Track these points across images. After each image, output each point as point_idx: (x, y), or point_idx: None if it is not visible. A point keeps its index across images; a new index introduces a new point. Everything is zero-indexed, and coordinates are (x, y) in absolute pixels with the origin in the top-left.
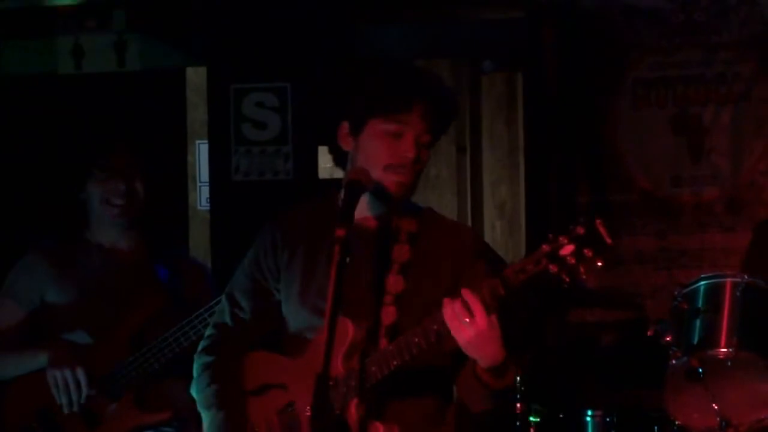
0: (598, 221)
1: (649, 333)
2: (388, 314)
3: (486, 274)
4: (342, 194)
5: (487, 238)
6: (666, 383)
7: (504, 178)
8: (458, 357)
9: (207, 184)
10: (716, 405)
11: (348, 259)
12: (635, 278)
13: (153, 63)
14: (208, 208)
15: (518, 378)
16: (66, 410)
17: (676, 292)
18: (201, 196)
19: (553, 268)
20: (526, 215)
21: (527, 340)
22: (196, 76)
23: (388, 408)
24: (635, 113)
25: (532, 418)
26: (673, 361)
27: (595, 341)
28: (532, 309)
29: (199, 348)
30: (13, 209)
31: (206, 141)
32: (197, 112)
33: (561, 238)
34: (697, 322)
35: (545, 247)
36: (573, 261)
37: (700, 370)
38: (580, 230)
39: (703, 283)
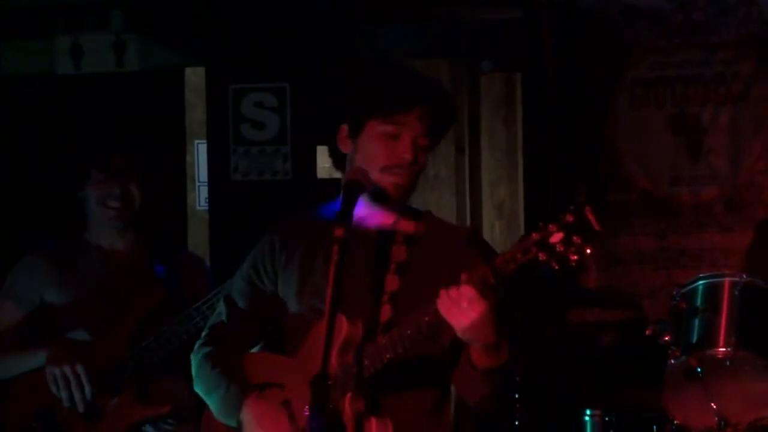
0: (587, 208)
1: (647, 332)
2: (384, 313)
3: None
4: (341, 196)
5: (486, 238)
6: (665, 383)
7: (503, 178)
8: (454, 351)
9: (206, 184)
10: (715, 404)
11: (346, 259)
12: (634, 278)
13: (152, 63)
14: (206, 208)
15: (517, 379)
16: (66, 404)
17: (674, 292)
18: (200, 196)
19: (542, 256)
20: (524, 215)
21: (526, 341)
22: (194, 76)
23: (383, 403)
24: (634, 113)
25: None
26: (672, 361)
27: (594, 341)
28: (529, 309)
29: (196, 346)
30: (12, 210)
31: (205, 141)
32: (196, 112)
33: (550, 226)
34: (696, 322)
35: (535, 236)
36: (562, 249)
37: (699, 370)
38: (569, 218)
39: (701, 282)
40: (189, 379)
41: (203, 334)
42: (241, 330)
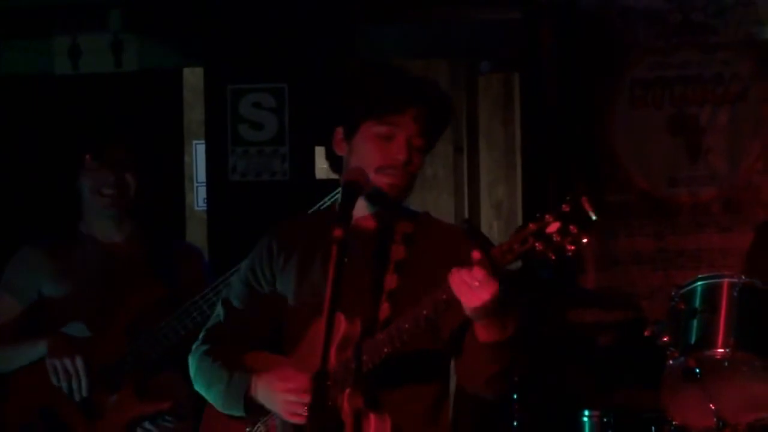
0: (583, 198)
1: (646, 333)
2: (383, 311)
3: None
4: (340, 198)
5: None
6: (663, 383)
7: (501, 179)
8: (454, 343)
9: (204, 184)
10: (713, 405)
11: (346, 259)
12: (633, 279)
13: (150, 63)
14: (205, 208)
15: (516, 379)
16: (67, 393)
17: (673, 293)
18: (198, 197)
19: (539, 246)
20: (522, 215)
21: (524, 341)
22: (193, 77)
23: (382, 399)
24: (633, 113)
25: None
26: (671, 362)
27: (593, 341)
28: (527, 309)
29: (193, 348)
30: (11, 210)
31: (203, 141)
32: (194, 112)
33: (547, 216)
34: (695, 323)
35: (531, 226)
36: (559, 238)
37: (697, 371)
38: (565, 208)
39: (700, 283)
40: (187, 375)
41: (200, 336)
42: (239, 332)
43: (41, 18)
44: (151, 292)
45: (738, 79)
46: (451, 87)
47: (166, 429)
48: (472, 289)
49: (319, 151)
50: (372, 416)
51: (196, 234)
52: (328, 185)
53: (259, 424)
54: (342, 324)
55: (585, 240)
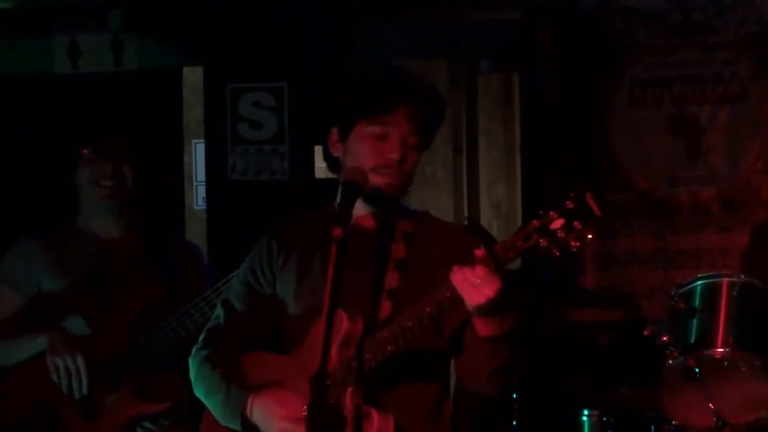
0: (587, 194)
1: (645, 333)
2: (384, 309)
3: None
4: (338, 198)
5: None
6: (662, 383)
7: (500, 178)
8: (455, 340)
9: (203, 183)
10: (713, 405)
11: (345, 258)
12: (632, 278)
13: (150, 62)
14: (204, 207)
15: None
16: (66, 392)
17: (672, 292)
18: (197, 196)
19: (543, 243)
20: (522, 215)
21: (524, 341)
22: (192, 76)
23: (383, 398)
24: (632, 113)
25: None
26: (670, 361)
27: (592, 341)
28: (527, 309)
29: (193, 351)
30: (11, 210)
31: (203, 140)
32: (194, 111)
33: (551, 213)
34: (694, 322)
35: (535, 222)
36: (563, 235)
37: (697, 370)
38: (569, 204)
39: (699, 282)
40: (186, 376)
41: (201, 337)
42: (240, 333)
43: (41, 17)
44: (151, 290)
45: (738, 79)
46: (451, 87)
47: (165, 429)
48: (475, 287)
49: (319, 151)
50: (375, 415)
51: (196, 233)
52: (327, 184)
53: None
54: (344, 323)
55: (590, 236)
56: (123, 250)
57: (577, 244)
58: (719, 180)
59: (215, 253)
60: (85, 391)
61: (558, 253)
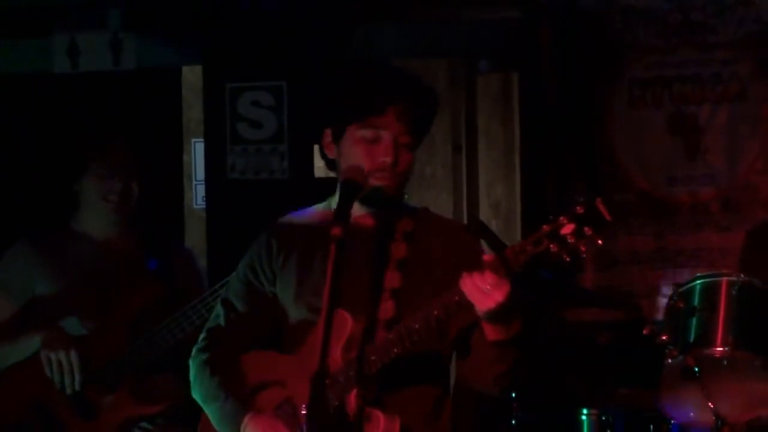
0: (597, 199)
1: (645, 332)
2: (387, 309)
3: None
4: (337, 197)
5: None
6: (662, 382)
7: (499, 178)
8: (460, 343)
9: (203, 182)
10: (712, 404)
11: (344, 256)
12: (632, 278)
13: (149, 62)
14: (203, 206)
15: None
16: (59, 387)
17: (672, 291)
18: (197, 195)
19: (553, 248)
20: (521, 215)
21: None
22: (192, 75)
23: (388, 399)
24: (632, 113)
25: None
26: (669, 360)
27: (592, 340)
28: (526, 308)
29: (194, 351)
30: (11, 209)
31: (202, 140)
32: (193, 110)
33: (561, 218)
34: (693, 321)
35: (545, 228)
36: (573, 240)
37: (696, 369)
38: (580, 209)
39: (699, 281)
40: (184, 377)
41: (201, 337)
42: (240, 333)
43: (40, 17)
44: (150, 291)
45: (737, 79)
46: (450, 86)
47: (162, 429)
48: (484, 292)
49: (318, 150)
50: (381, 416)
51: (195, 232)
52: (327, 183)
53: None
54: (348, 323)
55: (600, 242)
56: (119, 251)
57: (587, 249)
58: (718, 180)
59: (214, 252)
60: (77, 387)
61: (568, 259)
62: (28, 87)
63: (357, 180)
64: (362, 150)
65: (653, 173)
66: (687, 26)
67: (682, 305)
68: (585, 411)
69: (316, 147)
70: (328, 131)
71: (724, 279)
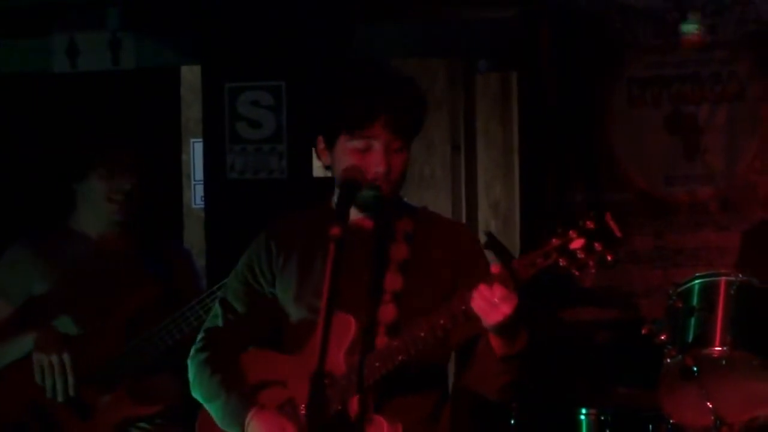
0: (607, 215)
1: (644, 332)
2: (388, 312)
3: (487, 269)
4: (336, 195)
5: (482, 237)
6: (660, 382)
7: (498, 178)
8: (463, 354)
9: (202, 182)
10: (711, 403)
11: (344, 257)
12: (630, 277)
13: (147, 61)
14: (202, 206)
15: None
16: (49, 395)
17: (670, 291)
18: (195, 195)
19: (562, 262)
20: (520, 214)
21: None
22: (190, 74)
23: (390, 405)
24: (631, 112)
25: None
26: (668, 360)
27: (590, 340)
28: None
29: (192, 352)
30: (10, 208)
31: (201, 139)
32: (192, 110)
33: (571, 232)
34: (692, 321)
35: (555, 241)
36: (582, 255)
37: (695, 369)
38: (590, 224)
39: (697, 281)
40: (182, 377)
41: (199, 337)
42: (239, 333)
43: (39, 16)
44: (148, 291)
45: (735, 78)
46: (449, 86)
47: (160, 429)
48: (492, 305)
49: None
50: (384, 423)
51: (194, 232)
52: (325, 183)
53: None
54: (352, 326)
55: (609, 258)
56: (117, 251)
57: (597, 265)
58: (717, 179)
59: (213, 251)
60: (71, 391)
61: (577, 273)
62: (27, 87)
63: (357, 178)
64: (354, 159)
65: (652, 173)
66: None
67: (680, 305)
68: (584, 410)
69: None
70: (320, 138)
71: (723, 279)
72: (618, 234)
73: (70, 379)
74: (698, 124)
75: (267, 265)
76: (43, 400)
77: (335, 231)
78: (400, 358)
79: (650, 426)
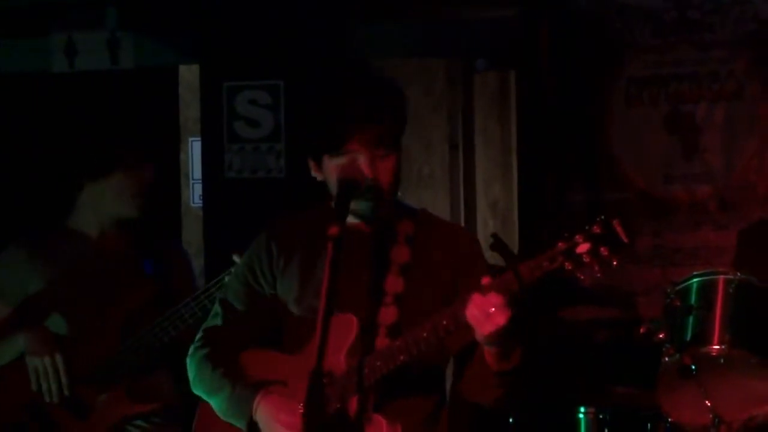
0: (615, 220)
1: (642, 330)
2: (389, 314)
3: (485, 271)
4: (335, 197)
5: (480, 237)
6: (659, 380)
7: (497, 177)
8: (461, 358)
9: (200, 181)
10: (709, 402)
11: (344, 258)
12: (629, 276)
13: (146, 61)
14: (201, 205)
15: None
16: (47, 398)
17: (668, 289)
18: (194, 194)
19: (568, 266)
20: (518, 214)
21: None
22: (189, 74)
23: (391, 406)
24: (629, 111)
25: None
26: (666, 359)
27: (589, 339)
28: (522, 306)
29: (191, 350)
30: (10, 208)
31: (199, 138)
32: (190, 109)
33: (577, 237)
34: (690, 319)
35: (561, 245)
36: (588, 259)
37: (693, 367)
38: (597, 229)
39: (695, 280)
40: (179, 375)
41: (198, 336)
42: (238, 332)
43: (38, 16)
44: (144, 290)
45: (734, 77)
46: (448, 85)
47: (157, 427)
48: (486, 315)
49: None
50: (384, 422)
51: (192, 231)
52: (324, 183)
53: None
54: (354, 327)
55: (615, 263)
56: (115, 250)
57: (602, 270)
58: (715, 178)
59: (211, 250)
60: (65, 391)
61: (582, 278)
62: (26, 86)
63: (355, 177)
64: (344, 174)
65: (651, 172)
66: (684, 24)
67: (678, 303)
68: (582, 409)
69: None
70: (310, 159)
71: (721, 277)
72: (625, 240)
73: (64, 380)
74: (697, 124)
75: (268, 267)
76: (41, 401)
77: (333, 230)
78: (401, 358)
79: (649, 424)
